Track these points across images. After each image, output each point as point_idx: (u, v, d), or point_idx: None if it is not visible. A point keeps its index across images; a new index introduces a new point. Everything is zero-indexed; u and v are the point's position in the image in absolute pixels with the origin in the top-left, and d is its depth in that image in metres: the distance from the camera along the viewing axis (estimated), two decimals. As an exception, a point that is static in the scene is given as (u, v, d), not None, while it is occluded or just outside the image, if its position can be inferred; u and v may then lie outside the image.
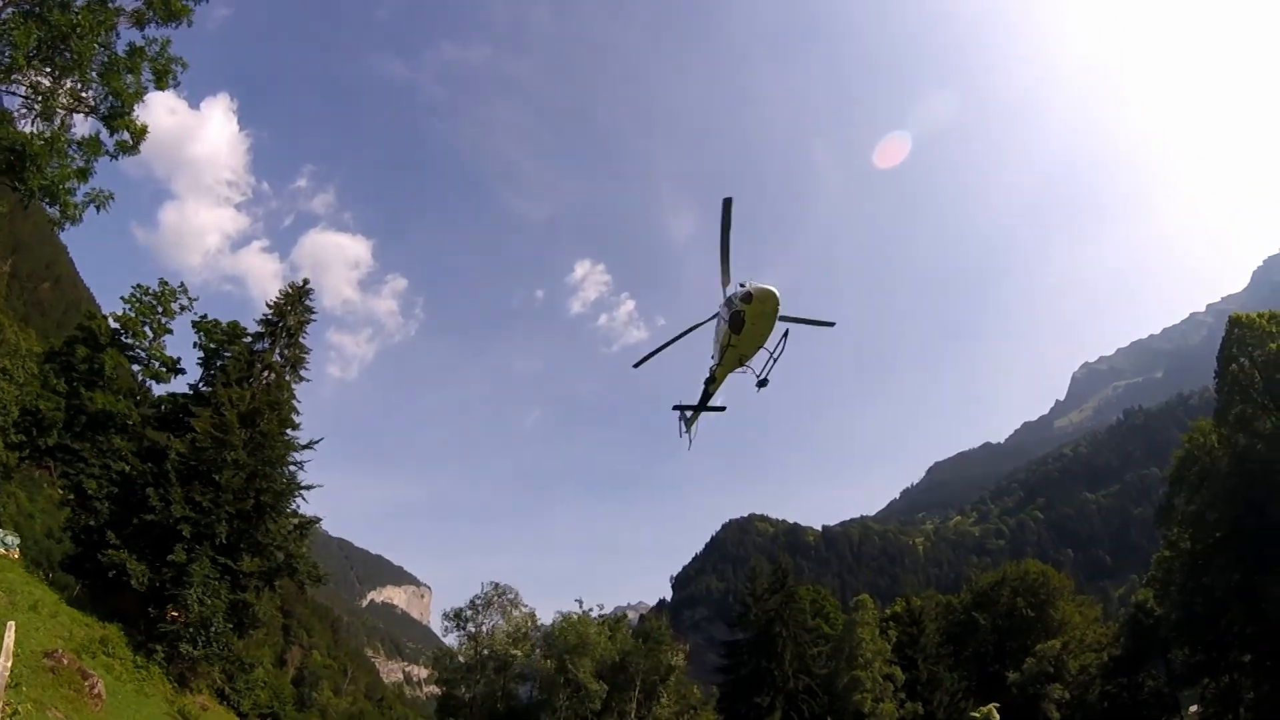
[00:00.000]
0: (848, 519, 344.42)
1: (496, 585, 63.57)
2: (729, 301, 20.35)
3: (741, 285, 19.45)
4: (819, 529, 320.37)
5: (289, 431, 48.71)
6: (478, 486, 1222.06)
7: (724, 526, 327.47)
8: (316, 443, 50.48)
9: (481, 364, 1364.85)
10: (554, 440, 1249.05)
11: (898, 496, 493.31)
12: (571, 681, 57.22)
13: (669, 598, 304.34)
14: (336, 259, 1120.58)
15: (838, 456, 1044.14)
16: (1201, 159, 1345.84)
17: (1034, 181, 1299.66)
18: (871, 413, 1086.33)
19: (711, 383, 23.69)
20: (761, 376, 22.22)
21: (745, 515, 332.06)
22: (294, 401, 50.74)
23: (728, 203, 18.92)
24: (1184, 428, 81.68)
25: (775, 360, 21.62)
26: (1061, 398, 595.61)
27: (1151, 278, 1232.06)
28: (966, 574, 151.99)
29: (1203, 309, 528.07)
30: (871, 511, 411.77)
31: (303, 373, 52.66)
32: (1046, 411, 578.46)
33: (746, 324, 19.51)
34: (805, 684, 67.73)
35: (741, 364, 21.97)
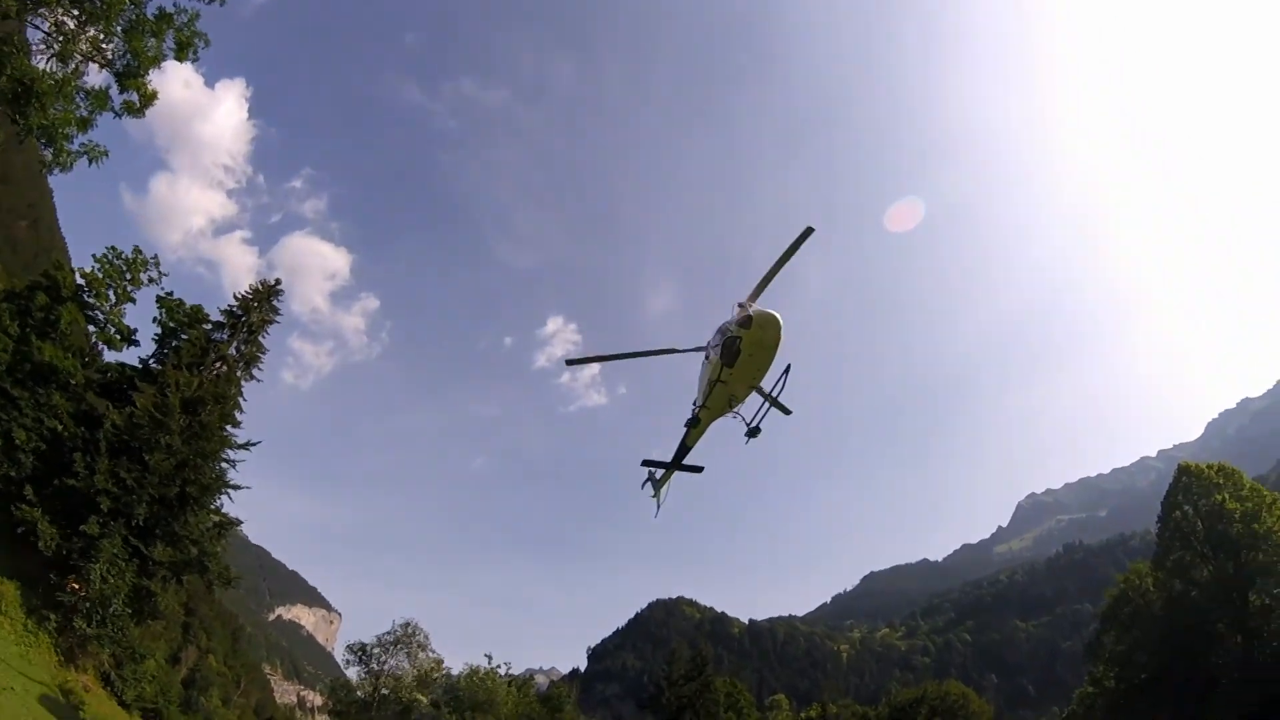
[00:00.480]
0: (776, 615, 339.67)
1: (407, 625, 61.27)
2: (723, 329, 17.32)
3: (740, 306, 16.58)
4: (745, 621, 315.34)
5: (229, 428, 47.51)
6: (409, 521, 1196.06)
7: (650, 605, 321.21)
8: (254, 445, 49.06)
9: (437, 400, 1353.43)
10: (494, 489, 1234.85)
11: (829, 600, 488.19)
12: (471, 738, 55.39)
13: (583, 668, 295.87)
14: (314, 266, 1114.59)
15: (776, 551, 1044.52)
16: (1169, 312, 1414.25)
17: (1007, 311, 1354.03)
18: (814, 513, 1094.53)
19: (694, 425, 19.97)
20: (754, 424, 18.71)
21: (673, 597, 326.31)
22: (240, 398, 49.71)
23: (809, 232, 16.39)
24: (1122, 567, 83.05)
25: (771, 403, 18.22)
26: (1004, 524, 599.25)
27: (1107, 419, 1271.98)
28: (887, 687, 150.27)
29: (1154, 454, 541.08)
30: (801, 612, 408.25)
31: (255, 372, 51.87)
32: (987, 536, 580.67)
33: (742, 354, 16.39)
34: (708, 777, 65.60)
35: (731, 407, 18.68)
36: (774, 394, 18.02)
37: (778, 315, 15.85)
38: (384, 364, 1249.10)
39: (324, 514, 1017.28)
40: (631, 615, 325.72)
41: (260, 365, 52.06)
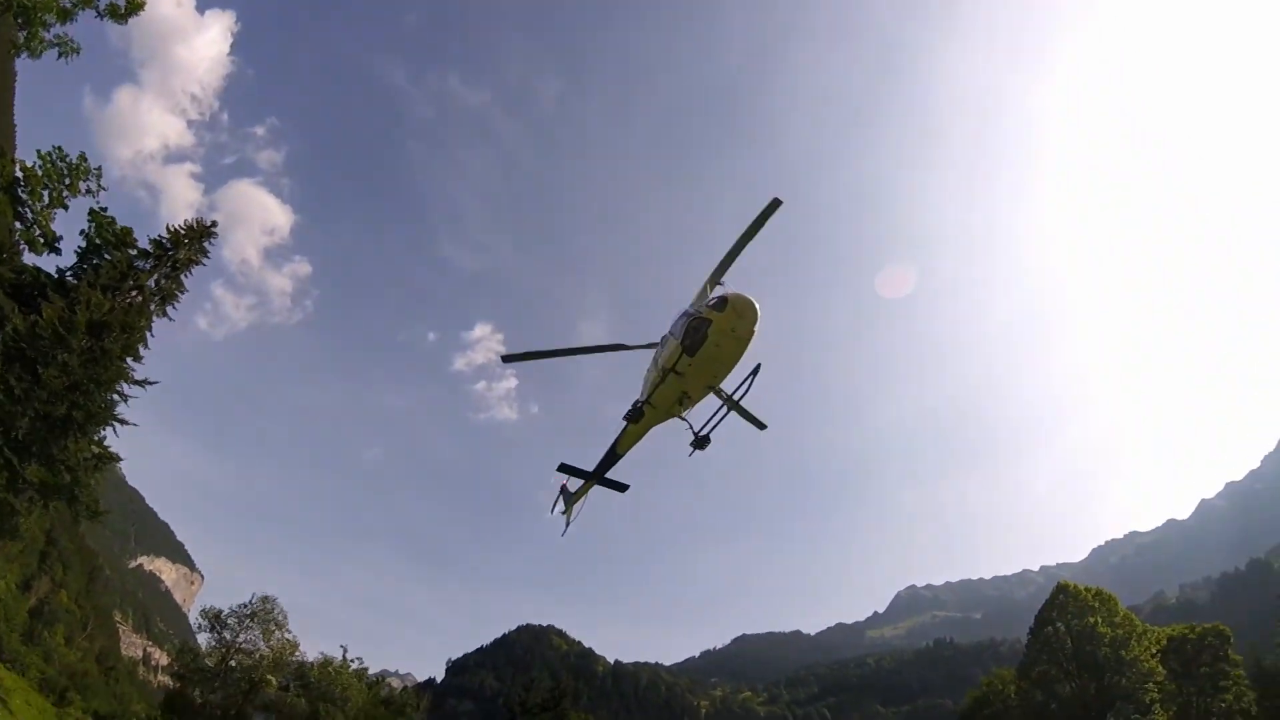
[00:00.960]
0: (643, 660, 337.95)
1: (266, 600, 59.81)
2: (688, 312, 14.63)
3: (720, 284, 13.89)
4: (611, 661, 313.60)
5: (130, 360, 44.81)
6: (292, 496, 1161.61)
7: (519, 628, 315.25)
8: (151, 384, 46.55)
9: (347, 381, 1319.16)
10: (385, 482, 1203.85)
11: (697, 655, 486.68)
12: (319, 728, 53.87)
13: (440, 679, 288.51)
14: (255, 217, 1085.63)
15: (655, 598, 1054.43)
16: (1073, 438, 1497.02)
17: (929, 408, 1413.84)
18: (699, 567, 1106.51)
19: (635, 420, 16.61)
20: (703, 431, 15.74)
21: (544, 624, 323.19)
22: (149, 333, 47.08)
23: (776, 204, 14.08)
24: (988, 671, 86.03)
25: (731, 408, 15.29)
26: (881, 610, 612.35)
27: (998, 527, 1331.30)
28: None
29: (1036, 568, 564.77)
30: (668, 661, 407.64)
31: (170, 309, 49.21)
32: (863, 619, 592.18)
33: (709, 341, 13.44)
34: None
35: (681, 409, 15.67)
36: (736, 398, 15.15)
37: (756, 303, 13.11)
38: (302, 332, 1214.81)
39: (207, 471, 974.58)
40: (498, 635, 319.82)
41: (177, 304, 49.26)
